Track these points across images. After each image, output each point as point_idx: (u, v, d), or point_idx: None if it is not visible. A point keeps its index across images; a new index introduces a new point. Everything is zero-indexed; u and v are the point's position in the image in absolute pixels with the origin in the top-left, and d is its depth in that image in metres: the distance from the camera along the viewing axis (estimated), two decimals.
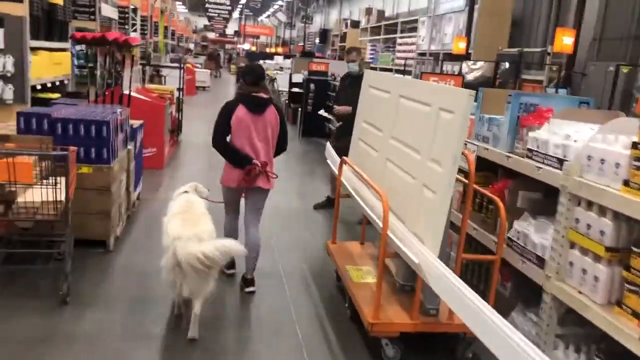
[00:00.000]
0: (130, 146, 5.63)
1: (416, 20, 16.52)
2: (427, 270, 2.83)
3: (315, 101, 12.18)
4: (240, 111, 4.17)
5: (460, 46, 12.94)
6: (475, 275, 4.29)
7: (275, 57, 26.31)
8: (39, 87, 6.64)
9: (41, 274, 4.18)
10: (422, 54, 15.72)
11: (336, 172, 4.67)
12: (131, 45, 5.70)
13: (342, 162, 4.44)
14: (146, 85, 10.29)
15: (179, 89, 10.58)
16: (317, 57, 18.47)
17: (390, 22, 20.16)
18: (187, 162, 9.16)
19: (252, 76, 4.28)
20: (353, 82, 6.39)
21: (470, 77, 10.93)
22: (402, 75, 10.95)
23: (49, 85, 6.96)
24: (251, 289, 4.34)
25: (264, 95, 4.28)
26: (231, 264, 4.59)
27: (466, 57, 12.45)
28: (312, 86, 12.40)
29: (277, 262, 5.05)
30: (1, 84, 5.92)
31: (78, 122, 4.57)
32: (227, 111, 4.21)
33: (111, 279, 4.38)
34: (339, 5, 33.64)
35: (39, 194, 3.76)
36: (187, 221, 3.64)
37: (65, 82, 7.71)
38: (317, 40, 31.64)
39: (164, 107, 8.09)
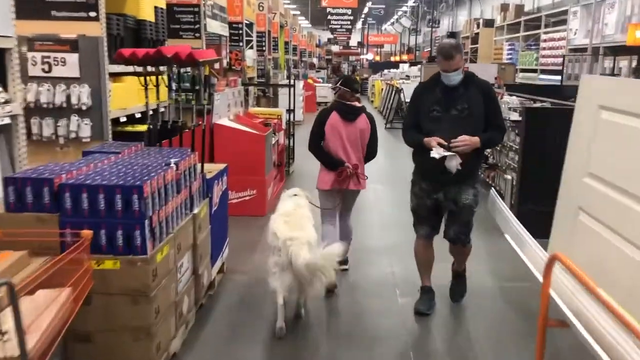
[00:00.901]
0: (199, 208, 3.86)
1: (565, 12, 14.51)
2: None
3: None
4: (334, 118, 4.41)
5: (638, 35, 10.71)
6: None
7: (401, 65, 24.50)
8: (123, 119, 5.19)
9: None
10: (574, 50, 13.47)
11: (531, 265, 2.50)
12: (198, 62, 3.97)
13: (553, 260, 2.24)
14: (250, 109, 8.67)
15: (289, 111, 8.84)
16: None
17: (532, 16, 18.01)
18: None
19: (351, 86, 4.48)
20: (459, 93, 3.76)
21: None
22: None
23: (138, 115, 5.50)
24: (344, 267, 4.56)
25: (357, 104, 4.48)
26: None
27: None
28: None
29: None
30: (76, 119, 4.68)
31: (93, 189, 2.82)
32: (322, 118, 4.46)
33: None
34: (468, 4, 31.03)
35: None
36: (293, 223, 3.78)
37: (162, 110, 6.23)
38: None
39: (263, 138, 6.33)
